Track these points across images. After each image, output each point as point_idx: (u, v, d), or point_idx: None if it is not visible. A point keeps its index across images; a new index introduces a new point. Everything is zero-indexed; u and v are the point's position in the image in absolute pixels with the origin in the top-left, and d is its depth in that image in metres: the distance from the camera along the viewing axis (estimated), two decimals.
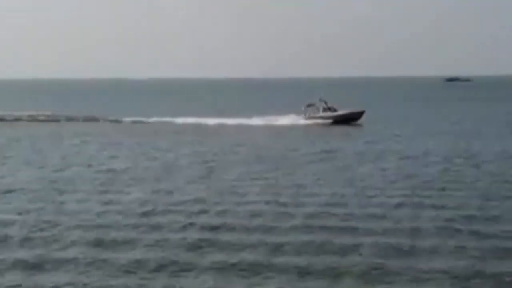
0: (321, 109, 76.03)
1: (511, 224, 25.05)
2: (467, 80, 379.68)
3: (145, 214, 27.44)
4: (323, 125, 72.90)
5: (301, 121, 75.36)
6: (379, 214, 26.99)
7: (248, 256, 21.18)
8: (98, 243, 22.94)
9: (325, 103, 76.73)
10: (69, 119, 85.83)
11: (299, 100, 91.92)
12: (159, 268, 20.20)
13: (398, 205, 28.70)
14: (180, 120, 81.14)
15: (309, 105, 77.12)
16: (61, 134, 65.64)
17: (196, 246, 22.37)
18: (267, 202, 29.52)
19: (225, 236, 23.66)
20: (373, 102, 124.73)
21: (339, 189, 32.93)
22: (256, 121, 77.24)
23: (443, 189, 32.65)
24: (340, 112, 75.98)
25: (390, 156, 45.75)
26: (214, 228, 24.81)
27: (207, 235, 23.85)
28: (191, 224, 25.48)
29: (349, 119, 75.00)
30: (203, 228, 24.89)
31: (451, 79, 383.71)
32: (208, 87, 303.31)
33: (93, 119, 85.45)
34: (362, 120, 75.24)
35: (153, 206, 28.81)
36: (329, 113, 75.45)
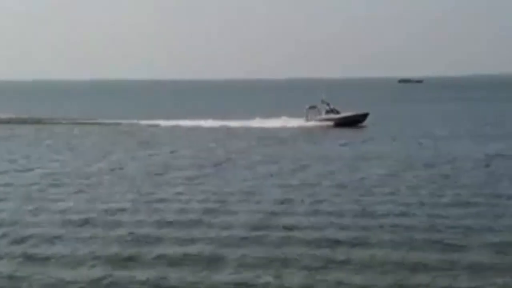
0: (323, 111, 73.71)
1: (460, 234, 23.91)
2: (418, 81, 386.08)
3: (80, 224, 26.05)
4: (324, 127, 70.53)
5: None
6: (325, 222, 25.76)
7: (185, 271, 19.97)
8: (28, 257, 21.63)
9: (328, 104, 74.23)
10: (22, 121, 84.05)
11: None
12: (92, 283, 19.10)
13: (346, 212, 27.58)
14: (130, 121, 79.83)
15: (311, 107, 74.70)
16: (6, 137, 64.00)
17: (131, 260, 21.18)
18: (209, 211, 28.16)
19: (161, 249, 22.35)
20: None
21: (285, 194, 31.68)
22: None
23: (392, 193, 31.66)
24: (343, 114, 73.55)
25: (339, 159, 44.89)
26: (149, 240, 23.50)
27: (142, 247, 22.58)
28: (128, 234, 24.23)
29: (352, 122, 72.35)
30: (138, 240, 23.55)
31: (403, 80, 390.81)
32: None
33: (49, 122, 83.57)
34: (366, 122, 72.89)
35: (89, 215, 27.45)
36: (331, 115, 73.02)
